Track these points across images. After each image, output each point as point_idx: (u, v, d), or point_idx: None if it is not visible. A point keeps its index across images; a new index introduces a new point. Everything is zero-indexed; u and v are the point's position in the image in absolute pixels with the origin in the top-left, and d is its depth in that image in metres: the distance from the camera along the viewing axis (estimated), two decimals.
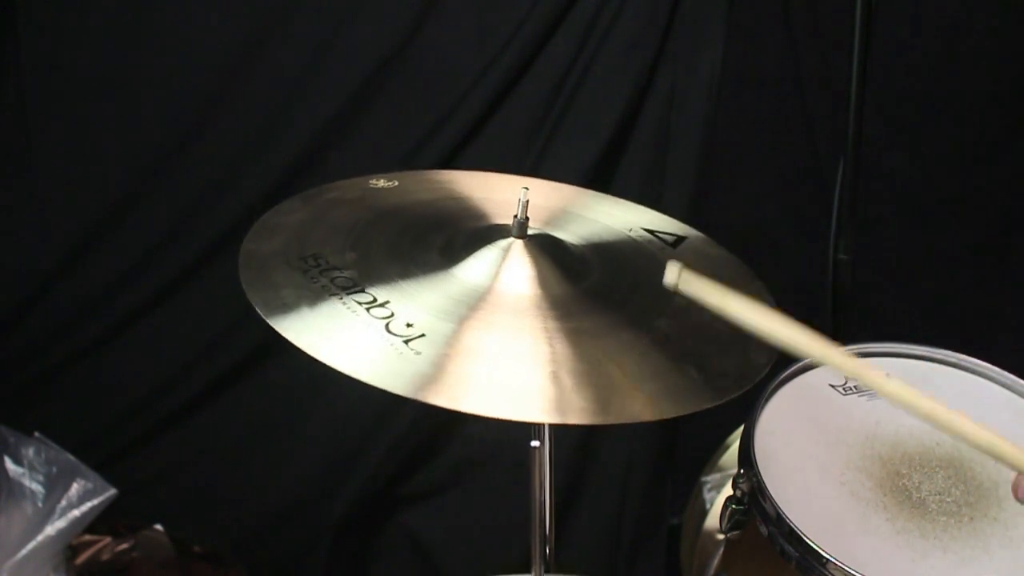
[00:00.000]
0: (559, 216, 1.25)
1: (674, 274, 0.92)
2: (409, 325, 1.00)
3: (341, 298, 1.04)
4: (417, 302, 1.04)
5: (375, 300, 1.04)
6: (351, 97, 1.84)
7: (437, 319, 1.02)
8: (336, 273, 1.08)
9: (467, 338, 1.00)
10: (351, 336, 0.99)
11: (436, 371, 0.95)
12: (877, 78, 1.60)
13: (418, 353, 0.97)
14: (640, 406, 0.98)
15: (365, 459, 1.96)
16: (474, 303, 1.05)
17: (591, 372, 0.98)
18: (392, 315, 1.02)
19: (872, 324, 1.86)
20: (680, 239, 1.25)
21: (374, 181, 1.29)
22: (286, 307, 1.02)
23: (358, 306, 1.03)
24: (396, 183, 1.29)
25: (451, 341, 0.99)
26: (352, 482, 1.97)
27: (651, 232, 1.24)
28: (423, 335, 0.99)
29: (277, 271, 1.08)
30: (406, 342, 0.98)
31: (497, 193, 1.25)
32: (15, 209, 1.93)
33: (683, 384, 1.01)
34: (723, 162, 1.89)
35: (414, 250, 1.13)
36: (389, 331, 0.99)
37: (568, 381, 0.96)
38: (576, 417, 0.94)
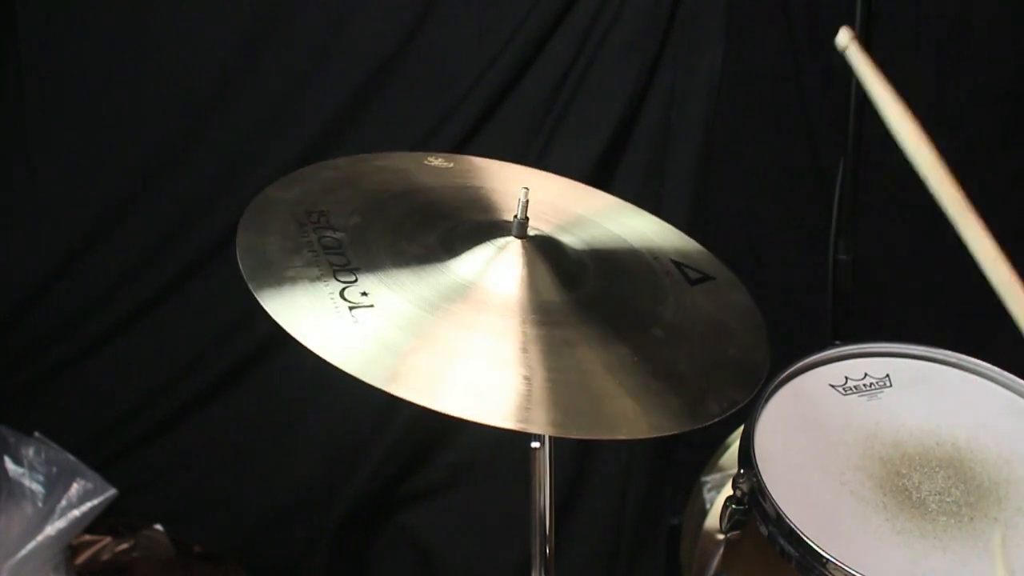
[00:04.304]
0: (580, 221, 1.24)
1: (846, 38, 0.93)
2: (364, 294, 1.00)
3: (316, 255, 1.04)
4: (390, 279, 1.03)
5: (348, 264, 1.04)
6: (351, 97, 1.84)
7: (393, 293, 1.02)
8: (328, 233, 1.08)
9: (441, 331, 0.99)
10: (304, 291, 1.00)
11: (400, 362, 0.94)
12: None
13: (356, 321, 0.97)
14: (611, 423, 0.97)
15: (365, 459, 1.96)
16: (456, 297, 1.03)
17: (562, 383, 0.97)
18: (355, 280, 1.02)
19: (872, 324, 1.86)
20: (705, 278, 1.20)
21: (431, 159, 1.30)
22: (262, 252, 1.04)
23: (328, 266, 1.03)
24: (452, 164, 1.29)
25: (424, 332, 0.98)
26: (352, 482, 1.97)
27: (677, 264, 1.20)
28: (371, 306, 0.99)
29: (276, 219, 1.10)
30: (350, 309, 0.98)
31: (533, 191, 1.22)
32: (15, 209, 1.93)
33: (658, 405, 0.99)
34: (723, 162, 1.88)
35: (414, 231, 1.12)
36: (343, 296, 1.00)
37: (536, 390, 0.95)
38: (538, 427, 0.94)
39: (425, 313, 1.00)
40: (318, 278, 1.01)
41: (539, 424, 0.93)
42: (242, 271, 1.02)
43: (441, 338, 0.98)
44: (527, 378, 0.96)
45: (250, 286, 1.00)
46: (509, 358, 0.98)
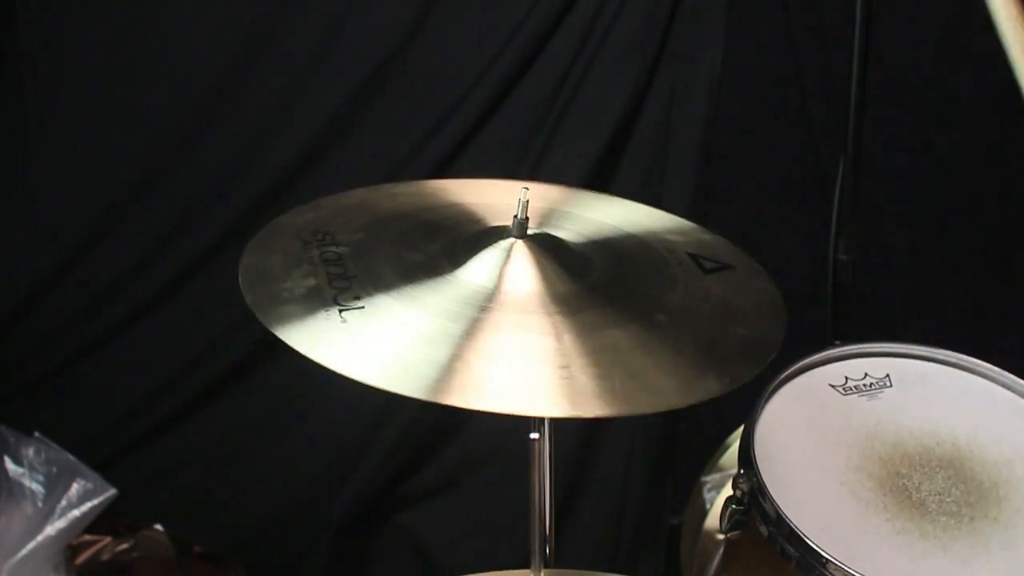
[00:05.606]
0: (584, 220, 1.26)
1: None
2: (357, 298, 1.02)
3: (314, 264, 1.06)
4: (385, 283, 1.05)
5: (344, 272, 1.05)
6: (351, 97, 1.84)
7: (385, 294, 1.03)
8: (331, 248, 1.09)
9: (474, 338, 1.00)
10: (296, 290, 1.01)
11: (446, 373, 0.96)
12: (877, 78, 1.60)
13: (344, 321, 0.98)
14: (649, 396, 0.99)
15: (365, 459, 1.96)
16: (478, 303, 1.05)
17: (601, 363, 0.99)
18: (349, 287, 1.03)
19: (872, 324, 1.86)
20: (723, 267, 1.22)
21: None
22: (262, 267, 1.06)
23: (326, 275, 1.04)
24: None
25: (462, 342, 0.99)
26: (352, 482, 1.97)
27: (693, 256, 1.22)
28: (362, 307, 1.00)
29: (281, 239, 1.11)
30: (340, 311, 0.99)
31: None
32: (14, 208, 1.93)
33: (691, 374, 1.02)
34: (723, 162, 1.89)
35: (416, 242, 1.14)
36: (336, 301, 1.01)
37: (579, 374, 0.98)
38: (588, 409, 0.95)
39: (450, 323, 1.02)
40: (313, 287, 1.03)
41: (588, 407, 0.96)
42: (241, 287, 1.03)
43: (478, 344, 1.00)
44: (566, 366, 0.98)
45: (247, 301, 1.01)
46: (548, 349, 1.00)
